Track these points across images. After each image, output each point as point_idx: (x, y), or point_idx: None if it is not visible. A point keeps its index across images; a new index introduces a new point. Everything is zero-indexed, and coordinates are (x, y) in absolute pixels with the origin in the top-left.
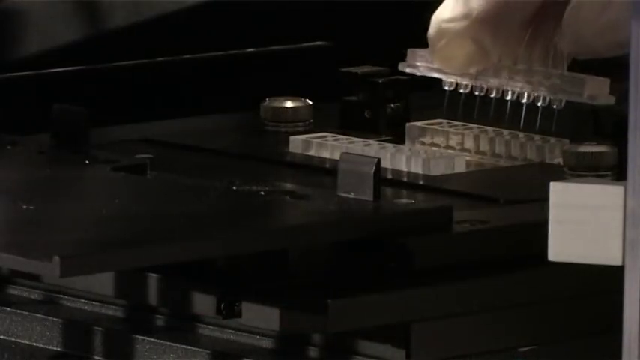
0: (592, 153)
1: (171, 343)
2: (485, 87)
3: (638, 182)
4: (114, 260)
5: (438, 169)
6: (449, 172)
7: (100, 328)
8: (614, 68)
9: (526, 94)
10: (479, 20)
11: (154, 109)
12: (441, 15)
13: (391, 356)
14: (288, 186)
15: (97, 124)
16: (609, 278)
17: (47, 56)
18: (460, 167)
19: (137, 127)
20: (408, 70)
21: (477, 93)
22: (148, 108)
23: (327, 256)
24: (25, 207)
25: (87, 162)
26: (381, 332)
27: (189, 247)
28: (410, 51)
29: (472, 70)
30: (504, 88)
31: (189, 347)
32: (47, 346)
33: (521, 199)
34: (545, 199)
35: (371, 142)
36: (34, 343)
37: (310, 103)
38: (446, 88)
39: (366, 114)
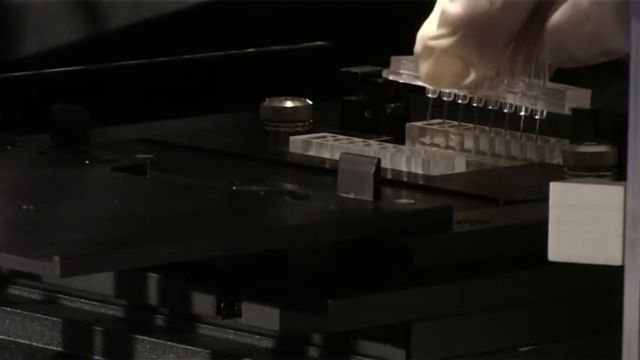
0: (592, 153)
1: (172, 343)
2: (468, 96)
3: (638, 182)
4: (114, 260)
5: (437, 169)
6: (449, 172)
7: (100, 328)
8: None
9: (508, 104)
10: (465, 37)
11: (153, 109)
12: (427, 32)
13: (391, 356)
14: (288, 186)
15: (97, 124)
16: (609, 278)
17: (47, 56)
18: (460, 167)
19: (137, 127)
20: (391, 77)
21: (459, 102)
22: (147, 108)
23: (327, 256)
24: (25, 207)
25: (87, 162)
26: (381, 332)
27: (189, 247)
28: (394, 58)
29: (459, 88)
30: (487, 98)
31: (189, 347)
32: (47, 346)
33: (521, 199)
34: (545, 199)
35: (371, 142)
36: (34, 343)
37: (310, 103)
38: (429, 95)
39: (366, 114)
